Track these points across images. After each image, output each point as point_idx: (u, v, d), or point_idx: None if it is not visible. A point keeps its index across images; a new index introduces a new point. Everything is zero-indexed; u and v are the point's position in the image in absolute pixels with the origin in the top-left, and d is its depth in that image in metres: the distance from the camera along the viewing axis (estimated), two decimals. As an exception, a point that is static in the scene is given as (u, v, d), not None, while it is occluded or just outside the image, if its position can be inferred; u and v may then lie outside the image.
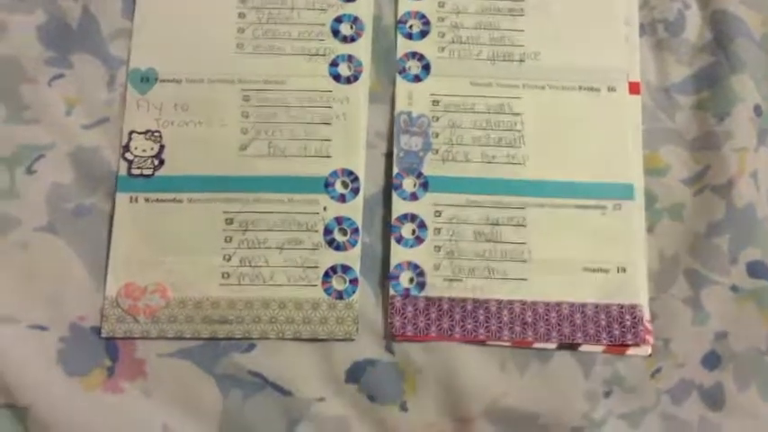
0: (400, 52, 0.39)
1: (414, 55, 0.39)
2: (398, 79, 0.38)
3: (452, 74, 0.38)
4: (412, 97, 0.38)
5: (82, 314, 0.35)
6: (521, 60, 0.38)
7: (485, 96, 0.38)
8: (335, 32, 0.39)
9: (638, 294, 0.35)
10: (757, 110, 0.38)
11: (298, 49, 0.38)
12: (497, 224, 0.36)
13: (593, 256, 0.36)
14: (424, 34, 0.39)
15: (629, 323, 0.35)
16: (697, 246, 0.36)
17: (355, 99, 0.38)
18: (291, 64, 0.38)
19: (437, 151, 0.37)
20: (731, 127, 0.37)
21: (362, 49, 0.39)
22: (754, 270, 0.35)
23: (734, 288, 0.36)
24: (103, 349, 0.35)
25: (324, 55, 0.38)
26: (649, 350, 0.35)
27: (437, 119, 0.38)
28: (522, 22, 0.39)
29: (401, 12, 0.39)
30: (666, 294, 0.36)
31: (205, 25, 0.39)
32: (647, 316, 0.35)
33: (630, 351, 0.35)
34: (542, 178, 0.37)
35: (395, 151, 0.37)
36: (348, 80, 0.38)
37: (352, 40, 0.39)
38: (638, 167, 0.37)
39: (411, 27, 0.39)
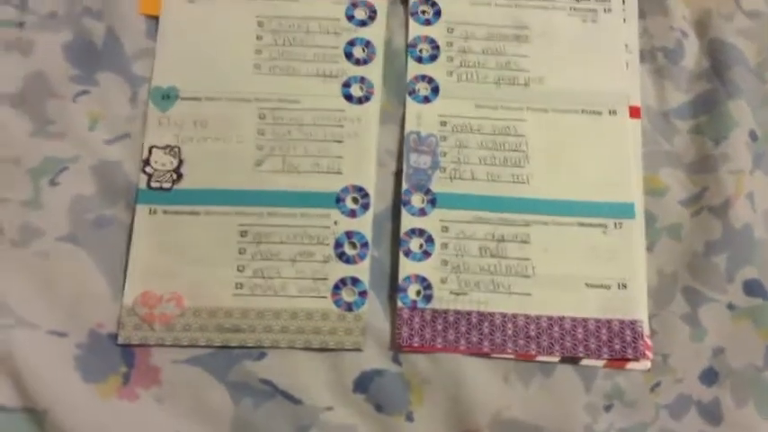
0: (410, 75, 0.40)
1: (423, 78, 0.40)
2: (408, 100, 0.40)
3: (460, 96, 0.40)
4: (421, 117, 0.40)
5: (100, 321, 0.36)
6: (525, 84, 0.40)
7: (490, 118, 0.39)
8: (348, 55, 0.40)
9: (639, 310, 0.37)
10: (752, 134, 0.39)
11: (312, 71, 0.40)
12: (503, 240, 0.37)
13: (595, 272, 0.37)
14: (433, 58, 0.41)
15: (629, 338, 0.36)
16: (695, 264, 0.37)
17: (366, 119, 0.39)
18: (306, 84, 0.40)
19: (445, 169, 0.39)
20: (728, 150, 0.39)
21: (374, 72, 0.40)
22: (750, 288, 0.37)
23: (731, 306, 0.37)
24: (120, 356, 0.36)
25: (337, 76, 0.40)
26: (649, 365, 0.36)
27: (445, 138, 0.39)
28: (527, 48, 0.41)
29: (412, 36, 0.41)
30: (665, 311, 0.37)
31: (224, 46, 0.40)
32: (646, 331, 0.36)
33: (630, 366, 0.36)
34: (546, 197, 0.38)
35: (404, 168, 0.39)
36: (360, 101, 0.40)
37: (365, 62, 0.40)
38: (638, 188, 0.39)
39: (421, 51, 0.41)
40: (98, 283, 0.37)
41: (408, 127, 0.39)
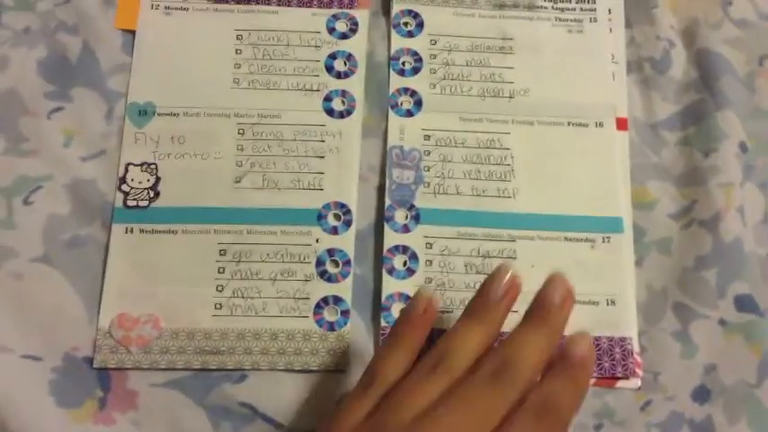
0: (392, 88, 0.40)
1: (406, 90, 0.40)
2: (391, 114, 0.39)
3: (443, 109, 0.39)
4: (404, 132, 0.39)
5: (75, 344, 0.35)
6: (510, 96, 0.39)
7: (475, 132, 0.39)
8: (329, 68, 0.40)
9: (628, 327, 0.36)
10: (742, 146, 0.39)
11: (292, 85, 0.39)
12: (488, 256, 0.37)
13: (583, 288, 0.36)
14: (416, 71, 0.40)
15: (618, 356, 0.35)
16: (685, 279, 0.37)
17: (348, 133, 0.39)
18: (286, 99, 0.39)
19: (428, 184, 0.38)
20: (717, 162, 0.38)
21: (356, 85, 0.40)
22: (741, 304, 0.36)
23: (722, 322, 0.36)
24: (95, 380, 0.35)
25: (318, 90, 0.39)
26: (639, 383, 0.35)
27: (428, 153, 0.38)
28: (512, 60, 0.40)
29: (394, 48, 0.40)
30: (655, 328, 0.36)
31: (202, 61, 0.39)
32: (636, 348, 0.36)
33: (620, 384, 0.35)
34: (532, 211, 0.37)
35: (387, 184, 0.38)
36: (341, 115, 0.39)
37: (346, 76, 0.40)
38: (626, 201, 0.38)
39: (404, 63, 0.40)
40: (73, 305, 0.36)
41: (391, 141, 0.39)
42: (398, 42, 0.40)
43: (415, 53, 0.40)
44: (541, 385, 0.27)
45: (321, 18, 0.40)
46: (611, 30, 0.41)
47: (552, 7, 0.41)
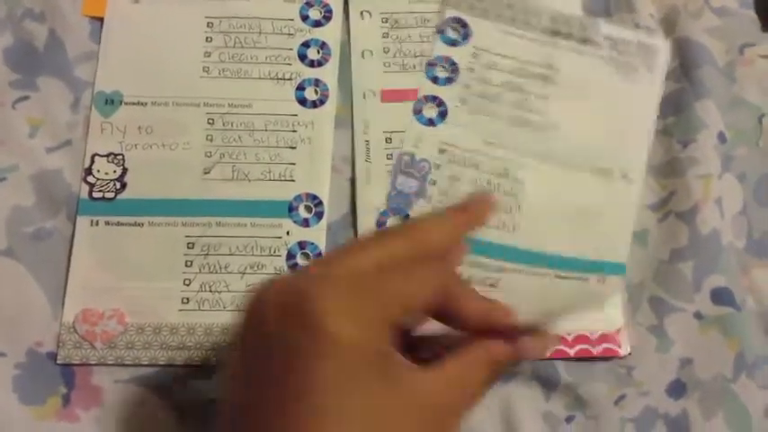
0: (421, 93, 0.38)
1: (434, 99, 0.38)
2: (412, 120, 0.38)
3: (467, 126, 0.38)
4: (421, 140, 0.37)
5: (39, 339, 0.34)
6: (539, 129, 0.37)
7: (492, 157, 0.37)
8: (302, 57, 0.39)
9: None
10: (721, 136, 0.38)
11: (264, 73, 0.38)
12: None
13: (571, 326, 0.35)
14: (449, 81, 0.39)
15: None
16: (661, 272, 0.36)
17: (321, 123, 0.38)
18: (257, 88, 0.38)
19: (430, 198, 0.36)
20: (695, 153, 0.37)
21: (329, 74, 0.39)
22: (718, 297, 0.35)
23: (698, 315, 0.35)
24: (59, 376, 0.34)
25: (290, 79, 0.38)
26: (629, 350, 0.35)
27: (438, 167, 0.37)
28: (551, 91, 0.38)
29: (435, 54, 0.39)
30: (632, 321, 0.35)
31: (172, 49, 0.39)
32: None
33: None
34: (527, 248, 0.36)
35: (389, 189, 0.37)
36: (314, 104, 0.38)
37: (319, 64, 0.39)
38: (628, 243, 0.36)
39: (438, 70, 0.39)
40: (37, 299, 0.35)
41: (405, 147, 0.37)
42: (440, 49, 0.39)
43: (453, 63, 0.39)
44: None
45: (294, 5, 0.40)
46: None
47: (609, 46, 0.39)
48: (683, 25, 0.40)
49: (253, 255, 0.36)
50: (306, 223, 0.36)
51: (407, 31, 0.39)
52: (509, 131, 0.37)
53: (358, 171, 0.37)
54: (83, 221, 0.36)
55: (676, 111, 0.39)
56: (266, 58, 0.39)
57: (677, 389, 0.35)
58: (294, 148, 0.37)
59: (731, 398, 0.34)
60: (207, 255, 0.35)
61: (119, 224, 0.36)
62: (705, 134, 0.38)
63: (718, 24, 0.41)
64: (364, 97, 0.38)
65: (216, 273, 0.35)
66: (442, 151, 0.37)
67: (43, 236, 0.36)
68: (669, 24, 0.40)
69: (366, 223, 0.36)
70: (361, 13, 0.40)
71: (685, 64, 0.39)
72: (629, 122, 0.38)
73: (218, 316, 0.35)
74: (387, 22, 0.39)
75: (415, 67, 0.39)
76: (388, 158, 0.37)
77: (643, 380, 0.35)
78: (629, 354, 0.35)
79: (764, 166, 0.38)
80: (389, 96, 0.38)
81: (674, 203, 0.37)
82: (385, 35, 0.39)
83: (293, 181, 0.37)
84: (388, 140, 0.37)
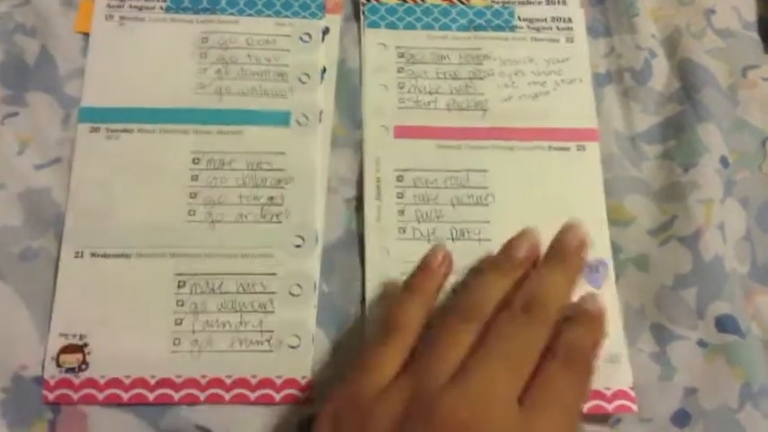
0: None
1: None
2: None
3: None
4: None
5: (24, 363, 0.33)
6: (483, 110, 0.38)
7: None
8: (296, 78, 0.38)
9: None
10: (723, 161, 0.37)
11: (256, 95, 0.37)
12: None
13: None
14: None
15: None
16: (663, 298, 0.35)
17: (313, 145, 0.37)
18: (248, 111, 0.37)
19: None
20: (697, 177, 0.36)
21: (324, 94, 0.38)
22: (722, 324, 0.34)
23: (702, 343, 0.34)
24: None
25: (285, 97, 0.38)
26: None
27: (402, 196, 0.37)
28: (486, 73, 0.39)
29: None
30: (633, 349, 0.35)
31: (159, 73, 0.38)
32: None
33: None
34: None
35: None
36: (306, 127, 0.37)
37: (315, 85, 0.38)
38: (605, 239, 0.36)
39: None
40: (23, 321, 0.34)
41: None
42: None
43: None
44: (564, 334, 0.28)
45: (287, 27, 0.39)
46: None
47: (527, 27, 0.40)
48: (686, 46, 0.40)
49: (244, 292, 0.34)
50: (299, 254, 0.35)
51: (423, 67, 0.39)
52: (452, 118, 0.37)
53: (368, 210, 0.36)
54: (67, 252, 0.35)
55: (677, 134, 0.38)
56: (261, 75, 0.38)
57: (681, 418, 0.34)
58: (283, 171, 0.36)
59: (736, 429, 0.33)
60: (197, 294, 0.34)
61: (105, 256, 0.35)
62: (707, 158, 0.37)
63: (721, 46, 0.40)
64: (377, 132, 0.37)
65: (205, 312, 0.34)
66: (399, 178, 0.37)
67: (30, 256, 0.35)
68: (671, 45, 0.40)
69: (375, 263, 0.35)
70: (377, 45, 0.39)
71: (687, 86, 0.39)
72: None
73: (209, 355, 0.33)
74: (403, 56, 0.39)
75: (429, 104, 0.38)
76: (398, 197, 0.36)
77: (645, 408, 0.34)
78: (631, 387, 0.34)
79: (768, 191, 0.38)
80: (402, 133, 0.38)
81: (675, 228, 0.36)
82: (400, 69, 0.39)
83: (280, 223, 0.35)
84: (400, 179, 0.37)
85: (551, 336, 0.28)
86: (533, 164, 0.37)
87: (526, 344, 0.28)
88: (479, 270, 0.31)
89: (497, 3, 0.40)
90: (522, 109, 0.38)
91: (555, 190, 0.35)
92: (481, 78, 0.38)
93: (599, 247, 0.36)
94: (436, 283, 0.31)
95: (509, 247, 0.31)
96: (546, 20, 0.40)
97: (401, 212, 0.36)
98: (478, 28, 0.39)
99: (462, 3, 0.40)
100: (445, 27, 0.39)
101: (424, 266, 0.32)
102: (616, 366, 0.34)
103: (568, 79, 0.39)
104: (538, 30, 0.40)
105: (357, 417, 0.27)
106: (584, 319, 0.29)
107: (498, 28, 0.39)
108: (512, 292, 0.30)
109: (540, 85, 0.38)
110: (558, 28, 0.40)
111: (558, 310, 0.29)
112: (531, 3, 0.40)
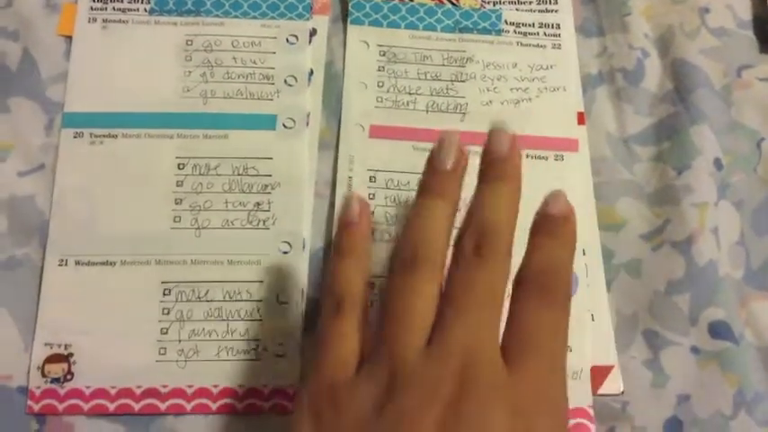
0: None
1: None
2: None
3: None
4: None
5: (9, 373, 0.33)
6: (462, 113, 0.37)
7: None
8: (283, 80, 0.37)
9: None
10: (717, 163, 0.37)
11: (242, 98, 0.37)
12: None
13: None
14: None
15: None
16: (656, 304, 0.35)
17: (300, 149, 0.36)
18: (233, 114, 0.36)
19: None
20: (690, 180, 0.36)
21: (312, 97, 0.37)
22: (715, 331, 0.34)
23: (695, 349, 0.34)
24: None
25: (271, 100, 0.37)
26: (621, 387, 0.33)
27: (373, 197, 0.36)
28: (468, 77, 0.38)
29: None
30: (625, 356, 0.34)
31: (143, 76, 0.37)
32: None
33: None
34: None
35: None
36: (293, 130, 0.37)
37: (302, 87, 0.37)
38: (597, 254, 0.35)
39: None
40: (8, 330, 0.33)
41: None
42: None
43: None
44: (531, 256, 0.26)
45: (273, 29, 0.38)
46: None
47: (514, 31, 0.39)
48: (679, 46, 0.39)
49: (230, 299, 0.34)
50: (286, 261, 0.34)
51: (405, 66, 0.38)
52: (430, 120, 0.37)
53: (337, 208, 0.35)
54: (51, 260, 0.34)
55: (670, 136, 0.37)
56: (246, 77, 0.37)
57: (674, 425, 0.33)
58: (271, 176, 0.36)
59: (729, 436, 0.33)
60: (183, 302, 0.34)
61: (89, 264, 0.34)
62: (700, 160, 0.36)
63: (716, 45, 0.39)
64: (352, 130, 0.37)
65: (191, 320, 0.33)
66: (372, 179, 0.36)
67: (14, 265, 0.34)
68: (664, 45, 0.39)
69: None
70: (360, 42, 0.38)
71: (680, 87, 0.38)
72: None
73: (195, 364, 0.33)
74: (384, 55, 0.38)
75: (408, 104, 0.37)
76: (369, 197, 0.36)
77: (637, 415, 0.33)
78: (622, 392, 0.33)
79: (762, 193, 0.37)
80: (377, 132, 0.37)
81: (668, 233, 0.36)
82: (381, 68, 0.38)
83: (268, 230, 0.35)
84: (372, 179, 0.36)
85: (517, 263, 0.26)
86: None
87: (490, 287, 0.25)
88: (413, 204, 0.28)
89: (488, 3, 0.39)
90: (502, 114, 0.37)
91: (528, 199, 0.35)
92: (463, 81, 0.38)
93: (580, 265, 0.35)
94: (362, 236, 0.28)
95: (432, 161, 0.28)
96: (533, 25, 0.39)
97: (371, 214, 0.35)
98: (464, 30, 0.39)
99: (453, 3, 0.39)
100: (430, 27, 0.39)
101: (343, 224, 0.28)
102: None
103: (552, 87, 0.38)
104: (524, 35, 0.39)
105: (336, 406, 0.25)
106: (550, 228, 0.26)
107: (484, 31, 0.39)
108: (455, 210, 0.27)
109: (523, 91, 0.38)
110: (545, 34, 0.39)
111: (512, 230, 0.26)
112: (521, 2, 0.40)
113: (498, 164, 0.27)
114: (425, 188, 0.28)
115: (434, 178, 0.27)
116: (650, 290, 0.35)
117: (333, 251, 0.29)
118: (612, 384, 0.34)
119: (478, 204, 0.26)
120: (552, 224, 0.26)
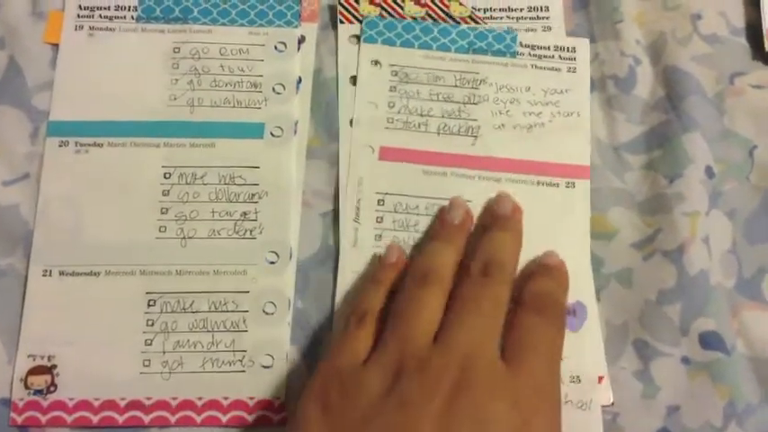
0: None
1: None
2: None
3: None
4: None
5: (-9, 385, 0.33)
6: (474, 137, 0.36)
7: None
8: (271, 89, 0.37)
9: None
10: (709, 171, 0.36)
11: (229, 106, 0.36)
12: None
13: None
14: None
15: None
16: (646, 314, 0.34)
17: (288, 158, 0.36)
18: (220, 123, 0.36)
19: None
20: (682, 189, 0.35)
21: (300, 105, 0.37)
22: (706, 341, 0.33)
23: (685, 360, 0.33)
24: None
25: (259, 108, 0.37)
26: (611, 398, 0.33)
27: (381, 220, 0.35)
28: (480, 108, 0.37)
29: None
30: (615, 366, 0.34)
31: (129, 84, 0.37)
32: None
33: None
34: None
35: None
36: (281, 139, 0.36)
37: (290, 95, 0.37)
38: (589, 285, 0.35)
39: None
40: (-9, 342, 0.33)
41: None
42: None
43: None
44: (530, 286, 0.31)
45: (261, 37, 0.38)
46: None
47: (528, 54, 0.38)
48: (671, 53, 0.39)
49: (216, 310, 0.34)
50: (273, 271, 0.34)
51: (417, 87, 0.37)
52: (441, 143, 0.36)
53: (343, 231, 0.35)
54: (35, 271, 0.34)
55: (662, 144, 0.37)
56: (234, 86, 0.37)
57: (664, 438, 0.33)
58: (258, 186, 0.35)
59: (720, 448, 0.33)
60: (168, 312, 0.33)
61: (73, 274, 0.34)
62: (692, 169, 0.36)
63: (708, 52, 0.39)
64: (361, 152, 0.36)
65: (175, 332, 0.33)
66: (380, 202, 0.35)
67: (-3, 275, 0.34)
68: (656, 52, 0.39)
69: (345, 287, 0.34)
70: (371, 61, 0.38)
71: (672, 94, 0.38)
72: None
73: (180, 376, 0.33)
74: (396, 75, 0.38)
75: (419, 126, 0.37)
76: (377, 221, 0.35)
77: (627, 427, 0.33)
78: (612, 403, 0.33)
79: (755, 202, 0.36)
80: (387, 155, 0.36)
81: (659, 242, 0.35)
82: (393, 88, 0.37)
83: (255, 239, 0.35)
84: (381, 203, 0.35)
85: (514, 291, 0.30)
86: (519, 198, 0.34)
87: (494, 301, 0.29)
88: (424, 243, 0.34)
89: (479, 11, 0.39)
90: (515, 139, 0.36)
91: (539, 226, 0.33)
92: (476, 103, 0.37)
93: (578, 288, 0.34)
94: (396, 273, 0.32)
95: (443, 217, 0.33)
96: (549, 48, 0.38)
97: (378, 237, 0.35)
98: (478, 51, 0.38)
99: (443, 10, 0.39)
100: (444, 48, 0.38)
101: (383, 263, 0.33)
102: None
103: (566, 112, 0.37)
104: (539, 57, 0.38)
105: (343, 390, 0.27)
106: (546, 270, 0.31)
107: (499, 53, 0.38)
108: (467, 260, 0.31)
109: (536, 115, 0.37)
110: (560, 57, 0.38)
111: (514, 267, 0.31)
112: (512, 10, 0.39)
113: (502, 221, 0.33)
114: (436, 235, 0.33)
115: (445, 229, 0.33)
116: (641, 299, 0.34)
117: (369, 278, 0.33)
118: (602, 395, 0.33)
119: (485, 244, 0.31)
120: (549, 270, 0.32)
